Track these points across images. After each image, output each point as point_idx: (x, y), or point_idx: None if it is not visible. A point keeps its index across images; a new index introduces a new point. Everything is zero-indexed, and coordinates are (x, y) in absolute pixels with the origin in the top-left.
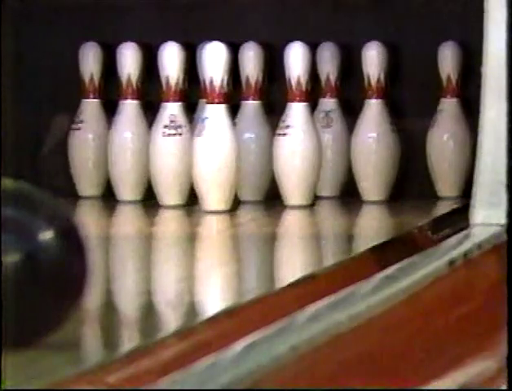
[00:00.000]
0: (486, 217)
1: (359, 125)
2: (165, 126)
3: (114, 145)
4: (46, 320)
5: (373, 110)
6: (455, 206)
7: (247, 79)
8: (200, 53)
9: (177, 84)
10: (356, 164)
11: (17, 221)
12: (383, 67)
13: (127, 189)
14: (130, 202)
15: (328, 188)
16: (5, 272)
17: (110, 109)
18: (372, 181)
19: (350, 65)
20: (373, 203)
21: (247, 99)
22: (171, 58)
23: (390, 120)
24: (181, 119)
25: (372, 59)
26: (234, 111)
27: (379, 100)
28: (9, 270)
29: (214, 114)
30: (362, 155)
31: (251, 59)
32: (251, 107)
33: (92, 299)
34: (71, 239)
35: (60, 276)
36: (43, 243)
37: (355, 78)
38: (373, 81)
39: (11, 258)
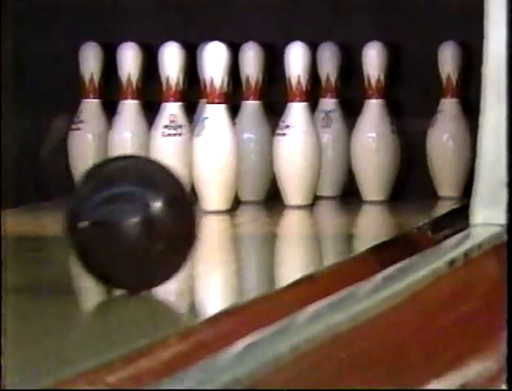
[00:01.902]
0: (486, 217)
1: (359, 125)
2: (165, 126)
3: (114, 145)
4: (160, 271)
5: (373, 110)
6: (455, 206)
7: (247, 79)
8: (200, 53)
9: (177, 84)
10: (356, 164)
11: (134, 194)
12: (383, 67)
13: None
14: None
15: (328, 188)
16: (128, 230)
17: (110, 109)
18: (373, 181)
19: (350, 65)
20: (373, 203)
21: (247, 99)
22: (171, 58)
23: (390, 121)
24: (181, 119)
25: (373, 59)
26: (234, 111)
27: (379, 100)
28: (131, 230)
29: (214, 114)
30: (362, 156)
31: (251, 59)
32: (251, 107)
33: (92, 299)
34: (179, 207)
35: (171, 235)
36: (155, 210)
37: (355, 78)
38: (373, 81)
39: (133, 221)
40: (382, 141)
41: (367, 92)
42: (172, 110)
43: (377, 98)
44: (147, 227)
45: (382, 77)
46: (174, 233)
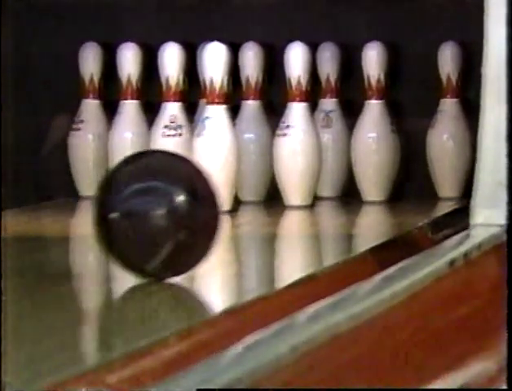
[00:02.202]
0: (486, 218)
1: (359, 126)
2: (166, 126)
3: (114, 145)
4: (184, 259)
5: (373, 110)
6: (455, 206)
7: (247, 79)
8: (200, 53)
9: (177, 84)
10: (356, 165)
11: (160, 189)
12: (383, 67)
13: None
14: None
15: (328, 188)
16: (155, 220)
17: (110, 109)
18: (373, 181)
19: (350, 65)
20: (373, 203)
21: (247, 99)
22: (171, 58)
23: (390, 121)
24: (181, 119)
25: (372, 59)
26: (234, 111)
27: (379, 100)
28: (157, 219)
29: (214, 114)
30: (362, 156)
31: (251, 59)
32: (251, 107)
33: (92, 299)
34: (201, 198)
35: (194, 225)
36: (178, 202)
37: (355, 78)
38: (373, 82)
39: (159, 212)
40: (382, 141)
41: (367, 92)
42: (172, 110)
43: (377, 99)
44: (171, 218)
45: (382, 77)
46: (197, 223)
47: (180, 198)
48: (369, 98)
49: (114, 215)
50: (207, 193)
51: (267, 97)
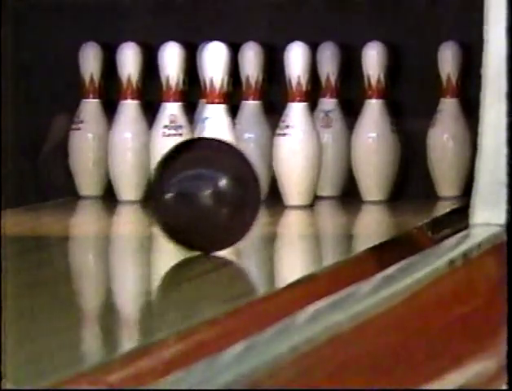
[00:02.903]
0: (486, 217)
1: (359, 125)
2: (165, 126)
3: (114, 145)
4: (228, 234)
5: (373, 110)
6: (455, 206)
7: (247, 79)
8: (200, 53)
9: (177, 84)
10: (356, 164)
11: (206, 173)
12: (383, 67)
13: (127, 189)
14: (130, 202)
15: (328, 188)
16: (202, 200)
17: (110, 109)
18: (373, 181)
19: (350, 65)
20: (373, 203)
21: (247, 99)
22: (171, 58)
23: (390, 120)
24: (181, 119)
25: (373, 59)
26: (234, 111)
27: (379, 100)
28: (205, 198)
29: (214, 114)
30: (362, 155)
31: (251, 59)
32: (251, 107)
33: (92, 299)
34: (242, 181)
35: (236, 204)
36: (221, 185)
37: (355, 78)
38: (373, 81)
39: (205, 192)
40: (382, 141)
41: (367, 92)
42: (172, 110)
43: (377, 98)
44: (216, 197)
45: (382, 77)
46: (238, 201)
47: (223, 182)
48: (369, 98)
49: (169, 196)
50: (248, 177)
51: (267, 97)
